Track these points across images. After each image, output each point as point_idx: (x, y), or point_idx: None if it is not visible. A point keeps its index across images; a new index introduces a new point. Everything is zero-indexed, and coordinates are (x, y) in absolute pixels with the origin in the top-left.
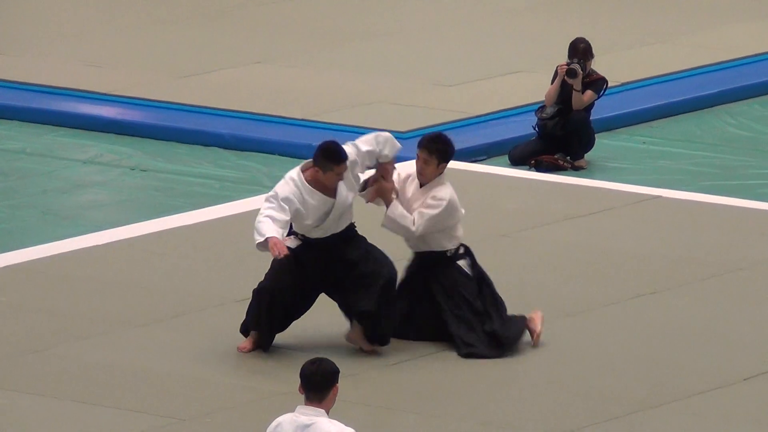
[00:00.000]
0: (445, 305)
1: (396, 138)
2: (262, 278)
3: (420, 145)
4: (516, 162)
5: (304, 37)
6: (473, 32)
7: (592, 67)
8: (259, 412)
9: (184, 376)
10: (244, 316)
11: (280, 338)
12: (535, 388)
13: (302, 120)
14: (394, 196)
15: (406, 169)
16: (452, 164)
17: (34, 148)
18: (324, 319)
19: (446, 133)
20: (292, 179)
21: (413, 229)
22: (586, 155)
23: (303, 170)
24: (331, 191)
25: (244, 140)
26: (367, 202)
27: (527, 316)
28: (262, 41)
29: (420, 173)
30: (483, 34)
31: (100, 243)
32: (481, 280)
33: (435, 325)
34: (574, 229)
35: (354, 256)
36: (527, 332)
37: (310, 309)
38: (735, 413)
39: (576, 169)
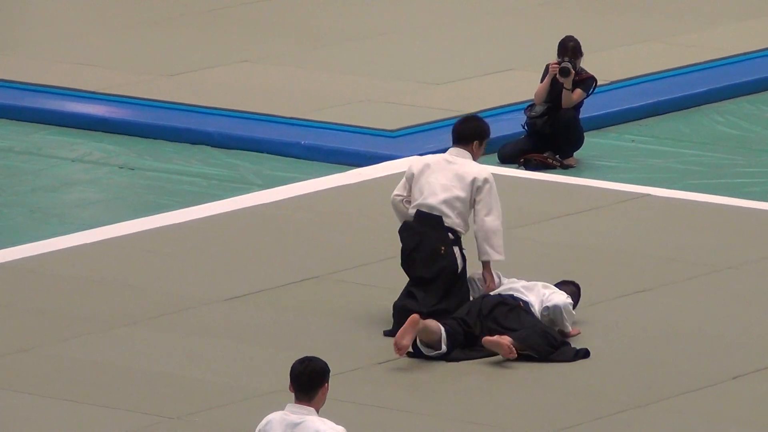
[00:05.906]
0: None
1: (385, 137)
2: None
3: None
4: (505, 160)
5: (293, 37)
6: (462, 31)
7: (581, 65)
8: (248, 411)
9: (173, 375)
10: (232, 315)
11: (270, 337)
12: (523, 387)
13: (291, 118)
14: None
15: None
16: None
17: (22, 147)
18: (314, 319)
19: (435, 132)
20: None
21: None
22: (575, 153)
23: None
24: None
25: (233, 138)
26: None
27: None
28: (250, 40)
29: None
30: (472, 33)
31: (88, 241)
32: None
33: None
34: (563, 227)
35: None
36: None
37: (300, 306)
38: (723, 412)
39: (565, 168)
